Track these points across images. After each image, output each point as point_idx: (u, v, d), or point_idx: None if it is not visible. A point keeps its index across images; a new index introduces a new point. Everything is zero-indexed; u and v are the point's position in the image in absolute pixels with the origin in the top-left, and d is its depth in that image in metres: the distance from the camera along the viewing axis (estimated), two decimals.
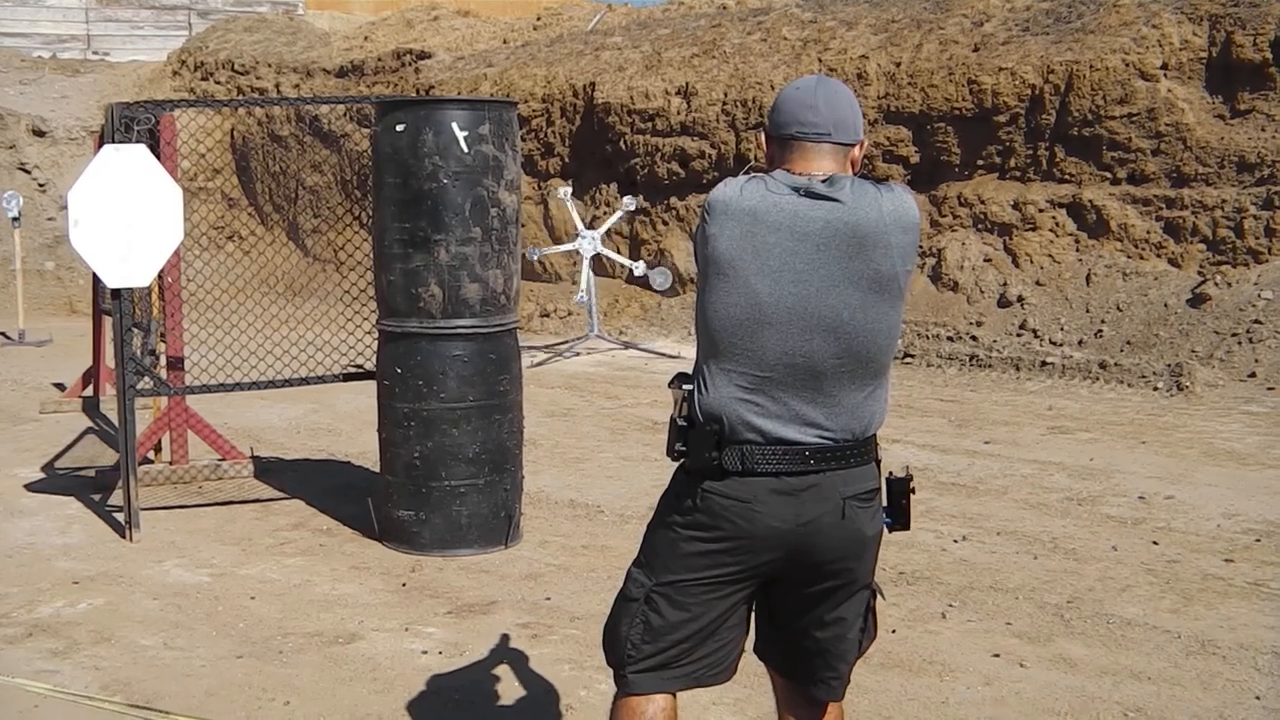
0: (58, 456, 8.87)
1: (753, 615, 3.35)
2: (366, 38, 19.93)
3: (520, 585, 6.08)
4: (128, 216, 6.56)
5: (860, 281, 3.02)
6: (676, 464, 3.22)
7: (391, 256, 6.49)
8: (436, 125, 6.37)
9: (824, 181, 3.04)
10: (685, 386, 3.18)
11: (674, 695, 3.25)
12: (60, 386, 11.66)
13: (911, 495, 3.27)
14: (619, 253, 15.12)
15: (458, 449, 6.46)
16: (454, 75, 17.29)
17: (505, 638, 5.36)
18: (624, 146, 15.85)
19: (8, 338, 15.44)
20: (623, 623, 3.24)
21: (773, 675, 3.45)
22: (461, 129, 6.37)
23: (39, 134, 19.98)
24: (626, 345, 13.73)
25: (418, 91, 17.14)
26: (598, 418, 10.14)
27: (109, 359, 10.50)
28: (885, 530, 3.24)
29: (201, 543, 6.81)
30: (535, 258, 14.36)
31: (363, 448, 8.71)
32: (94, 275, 10.56)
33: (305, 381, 7.30)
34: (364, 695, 4.79)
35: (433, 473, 6.47)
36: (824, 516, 3.07)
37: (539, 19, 20.07)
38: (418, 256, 6.40)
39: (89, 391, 10.69)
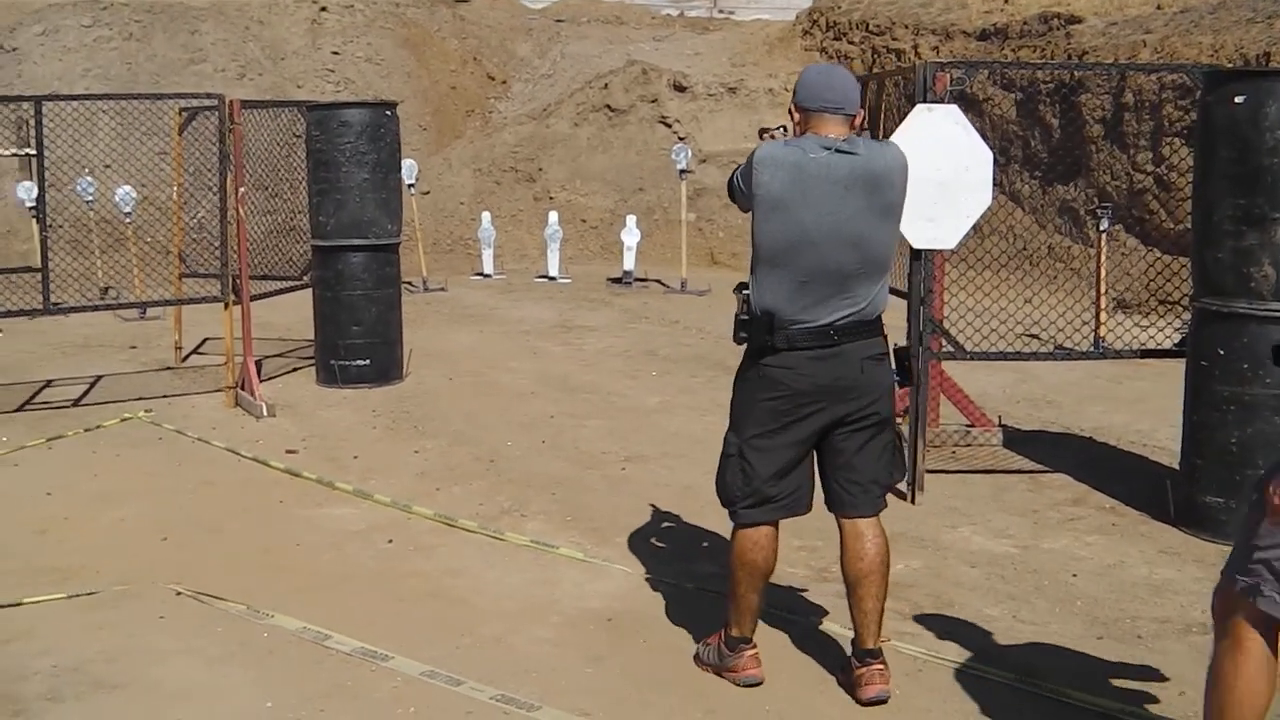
0: None
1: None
2: (1007, 1, 19.55)
3: None
4: (939, 177, 6.54)
5: (876, 210, 4.26)
6: (742, 349, 4.49)
7: (1222, 233, 6.21)
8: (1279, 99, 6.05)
9: (845, 141, 4.27)
10: (745, 291, 4.39)
11: (775, 526, 4.52)
12: None
13: (911, 360, 4.66)
14: None
15: (1279, 438, 6.14)
16: (1108, 41, 16.64)
17: None
18: None
19: (666, 286, 16.10)
20: (728, 473, 4.51)
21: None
22: None
23: (679, 89, 20.76)
24: None
25: (1069, 56, 16.64)
26: None
27: None
28: (897, 385, 4.52)
29: (984, 510, 6.80)
30: None
31: (1095, 423, 8.53)
32: None
33: (1102, 355, 7.15)
34: None
35: (1249, 460, 6.14)
36: (850, 372, 4.34)
37: None
38: (1251, 234, 6.10)
39: None
